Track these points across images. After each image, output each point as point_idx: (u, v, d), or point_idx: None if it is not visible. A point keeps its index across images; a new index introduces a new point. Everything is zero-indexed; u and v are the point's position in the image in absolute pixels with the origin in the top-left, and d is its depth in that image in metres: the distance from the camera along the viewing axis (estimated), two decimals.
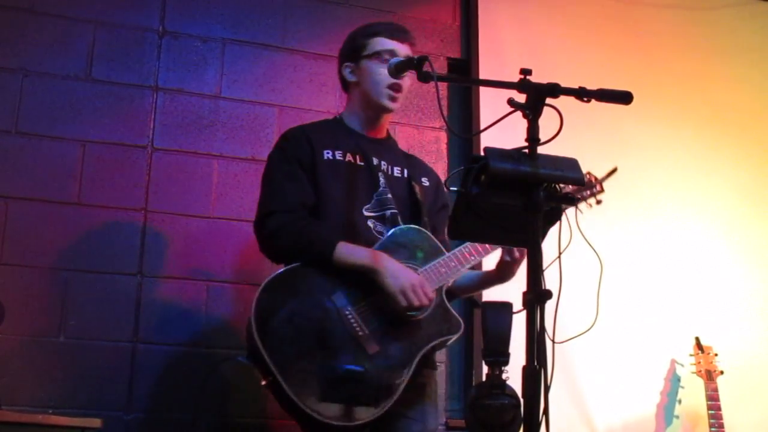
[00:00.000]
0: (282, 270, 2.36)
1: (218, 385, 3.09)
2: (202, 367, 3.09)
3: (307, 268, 2.34)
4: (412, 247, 2.41)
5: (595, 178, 2.54)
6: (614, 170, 2.56)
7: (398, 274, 2.29)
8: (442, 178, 3.08)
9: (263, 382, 2.23)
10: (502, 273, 2.49)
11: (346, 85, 2.65)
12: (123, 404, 3.03)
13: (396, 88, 2.51)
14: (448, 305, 2.40)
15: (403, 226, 2.44)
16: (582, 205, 2.46)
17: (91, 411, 2.90)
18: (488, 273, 2.57)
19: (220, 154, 3.35)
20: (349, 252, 2.32)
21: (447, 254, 2.42)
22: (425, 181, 2.65)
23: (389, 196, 2.50)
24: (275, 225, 2.40)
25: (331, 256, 2.31)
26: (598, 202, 2.50)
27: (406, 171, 2.60)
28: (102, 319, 3.07)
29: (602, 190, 2.54)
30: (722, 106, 4.01)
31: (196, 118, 3.36)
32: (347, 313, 2.29)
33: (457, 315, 2.40)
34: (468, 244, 2.42)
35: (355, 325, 2.28)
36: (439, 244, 2.45)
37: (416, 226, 2.46)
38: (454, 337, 2.38)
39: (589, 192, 2.51)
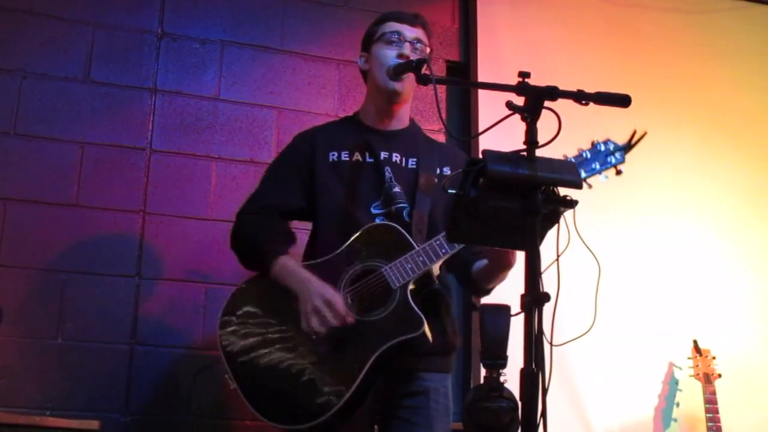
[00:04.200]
0: (251, 278, 2.45)
1: (216, 387, 3.09)
2: (200, 370, 3.10)
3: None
4: (378, 245, 2.35)
5: (615, 145, 2.20)
6: (638, 136, 2.13)
7: (314, 305, 2.28)
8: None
9: (232, 387, 2.31)
10: (493, 261, 2.39)
11: (364, 76, 2.63)
12: (121, 406, 3.03)
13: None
14: (412, 303, 2.28)
15: (372, 224, 2.40)
16: (600, 177, 2.17)
17: (89, 413, 2.90)
18: (487, 263, 2.45)
19: (219, 156, 3.35)
20: (282, 275, 2.37)
21: (416, 249, 2.33)
22: (446, 170, 2.55)
23: (397, 190, 2.46)
24: (239, 223, 2.53)
25: (269, 273, 2.39)
26: (618, 172, 2.19)
27: (419, 161, 2.54)
28: (100, 321, 3.07)
29: (622, 161, 2.19)
30: (721, 108, 4.01)
31: (194, 120, 3.36)
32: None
33: (419, 313, 2.27)
34: (440, 236, 2.32)
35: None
36: (410, 240, 2.35)
37: (389, 223, 2.39)
38: (413, 336, 2.26)
39: (599, 164, 2.19)
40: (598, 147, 2.21)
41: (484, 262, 2.45)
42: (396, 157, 2.51)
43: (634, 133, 2.13)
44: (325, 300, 2.26)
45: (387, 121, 2.57)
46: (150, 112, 3.31)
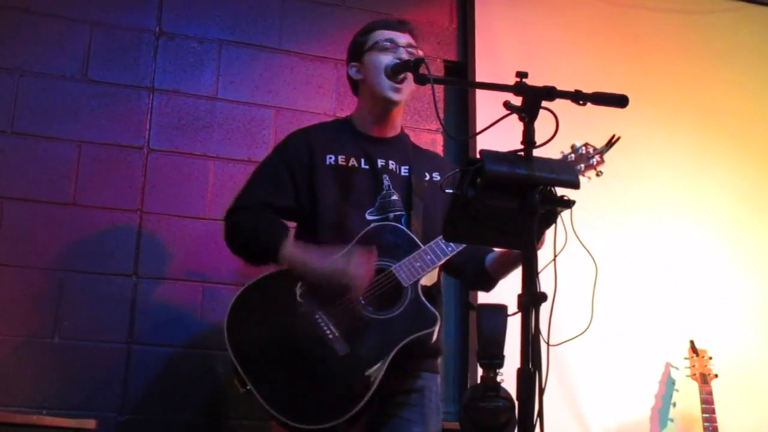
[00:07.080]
0: (257, 278, 2.41)
1: (213, 386, 3.09)
2: (197, 369, 3.10)
3: (282, 275, 2.39)
4: (385, 246, 2.37)
5: (594, 149, 2.37)
6: (615, 139, 2.34)
7: (330, 273, 2.30)
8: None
9: (241, 390, 2.28)
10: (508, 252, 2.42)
11: (355, 86, 2.63)
12: (117, 405, 3.02)
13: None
14: (424, 300, 2.33)
15: (376, 225, 2.42)
16: (582, 177, 2.33)
17: (86, 412, 2.90)
18: (501, 254, 2.48)
19: (216, 155, 3.35)
20: (288, 258, 2.36)
21: (423, 247, 2.37)
22: (436, 176, 2.58)
23: (394, 198, 2.48)
24: (233, 222, 2.49)
25: (276, 259, 2.38)
26: (599, 174, 2.35)
27: (411, 168, 2.56)
28: (97, 320, 3.07)
29: (602, 162, 2.37)
30: (719, 109, 4.02)
31: (192, 120, 3.36)
32: (317, 317, 2.31)
33: (433, 309, 2.33)
34: None
35: (324, 328, 2.29)
36: (415, 239, 2.39)
37: (393, 224, 2.43)
38: (429, 332, 2.31)
39: (584, 165, 2.35)
40: (580, 150, 2.32)
41: (496, 252, 2.48)
42: (392, 165, 2.53)
43: (612, 137, 2.30)
44: (351, 275, 2.28)
45: (382, 128, 2.58)
46: (147, 111, 3.31)
